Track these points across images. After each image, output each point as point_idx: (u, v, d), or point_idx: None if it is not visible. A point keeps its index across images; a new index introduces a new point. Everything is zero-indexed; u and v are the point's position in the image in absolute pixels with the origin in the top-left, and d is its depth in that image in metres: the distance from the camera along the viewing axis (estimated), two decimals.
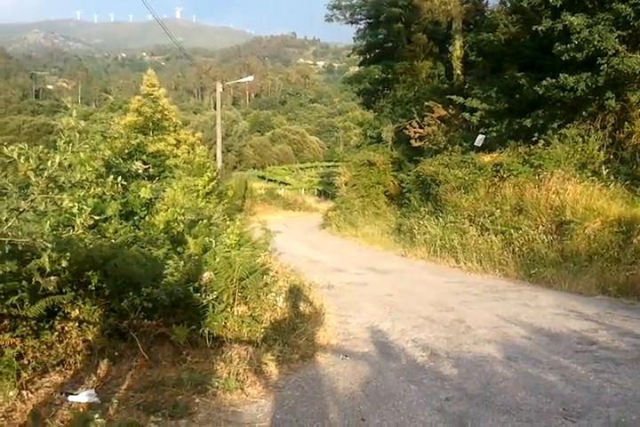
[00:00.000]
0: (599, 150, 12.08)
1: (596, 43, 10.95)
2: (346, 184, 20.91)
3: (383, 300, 7.68)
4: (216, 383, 4.01)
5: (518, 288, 8.73)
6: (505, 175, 12.56)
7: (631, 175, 11.24)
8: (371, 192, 19.73)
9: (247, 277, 4.97)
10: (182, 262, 5.11)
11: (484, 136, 14.84)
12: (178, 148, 21.41)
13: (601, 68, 11.10)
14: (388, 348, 5.35)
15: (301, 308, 5.60)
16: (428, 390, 4.22)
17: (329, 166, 54.77)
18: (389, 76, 22.76)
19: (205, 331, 4.51)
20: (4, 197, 3.93)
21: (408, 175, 16.99)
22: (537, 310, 6.99)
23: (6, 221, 3.36)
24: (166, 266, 4.89)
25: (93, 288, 4.13)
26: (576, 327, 6.05)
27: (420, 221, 13.30)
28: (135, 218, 6.59)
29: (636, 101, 12.02)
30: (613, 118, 12.58)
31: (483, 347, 5.33)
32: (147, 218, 6.65)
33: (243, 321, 4.76)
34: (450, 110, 17.00)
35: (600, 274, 8.39)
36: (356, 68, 28.54)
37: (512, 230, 10.57)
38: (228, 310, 4.74)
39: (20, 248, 3.70)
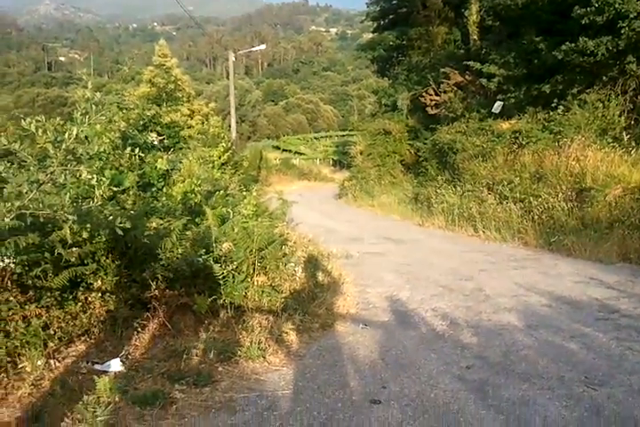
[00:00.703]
0: (620, 116, 11.84)
1: (617, 5, 10.67)
2: (361, 153, 20.75)
3: (401, 269, 7.68)
4: (238, 352, 4.05)
5: (538, 256, 8.67)
6: (524, 142, 12.39)
7: None
8: (387, 161, 19.57)
9: (266, 248, 4.98)
10: (201, 233, 5.12)
11: (501, 103, 14.56)
12: (192, 118, 21.28)
13: (622, 31, 10.81)
14: (407, 317, 5.36)
15: (320, 277, 5.61)
16: (448, 359, 4.23)
17: (344, 136, 54.26)
18: (404, 42, 22.30)
19: (226, 301, 4.54)
20: (24, 170, 3.94)
21: (424, 144, 16.80)
22: (557, 279, 6.95)
23: (27, 193, 3.36)
24: (185, 236, 4.90)
25: (115, 259, 4.16)
26: (597, 295, 6.01)
27: (438, 190, 13.20)
28: (153, 189, 6.60)
29: None
30: (635, 83, 12.26)
31: (502, 315, 5.32)
32: (164, 189, 6.65)
33: (263, 291, 4.78)
34: (466, 77, 16.63)
35: (621, 241, 8.28)
36: (370, 35, 27.91)
37: (531, 198, 10.46)
38: (248, 280, 4.76)
39: (41, 220, 3.73)
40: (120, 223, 3.65)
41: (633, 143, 10.93)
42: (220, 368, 3.88)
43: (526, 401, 3.48)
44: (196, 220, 5.80)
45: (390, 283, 6.78)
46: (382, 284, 6.73)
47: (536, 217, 10.02)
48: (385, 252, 9.34)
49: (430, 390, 3.67)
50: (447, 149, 14.37)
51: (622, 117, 11.82)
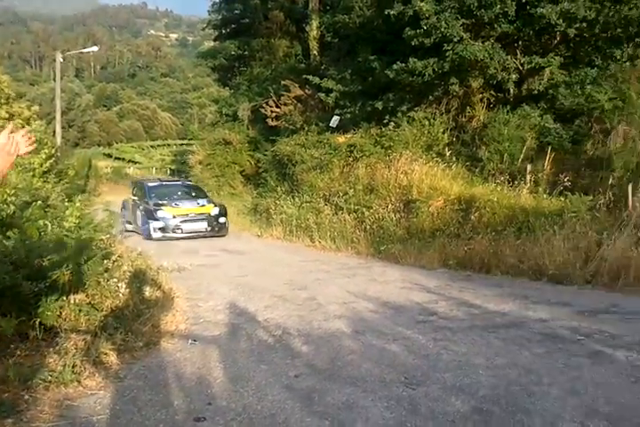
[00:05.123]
0: (443, 133, 12.80)
1: (442, 29, 11.38)
2: (200, 163, 20.37)
3: (236, 281, 7.60)
4: (49, 377, 3.67)
5: (368, 265, 9.10)
6: (358, 156, 12.98)
7: (471, 157, 12.10)
8: (226, 172, 19.40)
9: (85, 263, 4.60)
10: (12, 248, 4.59)
11: (338, 117, 15.12)
12: (11, 122, 19.37)
13: (447, 54, 11.60)
14: (239, 329, 5.27)
15: (147, 293, 5.32)
16: (277, 369, 4.21)
17: (182, 144, 52.91)
18: (246, 52, 22.44)
19: (37, 322, 4.10)
20: None
21: (265, 155, 16.95)
22: (384, 285, 7.33)
23: None
24: None
25: None
26: (419, 300, 6.40)
27: (277, 201, 13.35)
28: None
29: (477, 87, 12.86)
30: (457, 103, 13.40)
31: (332, 323, 5.45)
32: None
33: (80, 310, 4.39)
34: (306, 90, 17.11)
35: (442, 249, 8.98)
36: (211, 43, 27.75)
37: (364, 209, 11.00)
38: (64, 298, 4.35)
39: None
40: None
41: (454, 158, 11.90)
42: (26, 396, 3.47)
43: (350, 405, 3.55)
44: (8, 233, 5.20)
45: (224, 295, 6.65)
46: (216, 297, 6.58)
47: (368, 227, 10.55)
48: (220, 264, 9.22)
49: (257, 403, 3.60)
50: (287, 160, 14.60)
51: (445, 134, 12.77)
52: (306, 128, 15.68)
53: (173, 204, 13.10)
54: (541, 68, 12.24)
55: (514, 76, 12.23)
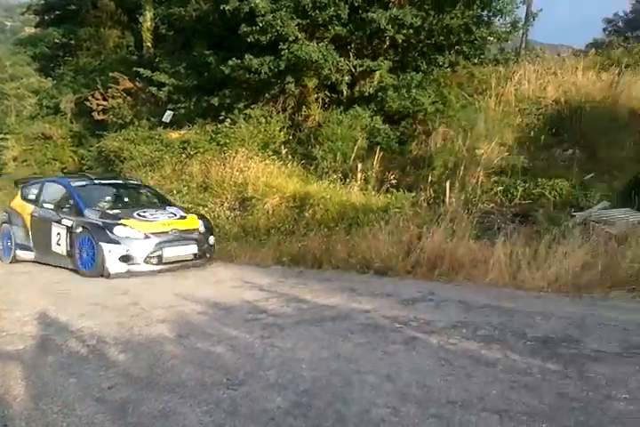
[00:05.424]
0: (280, 131, 12.89)
1: (278, 28, 11.45)
2: (15, 160, 18.49)
3: (50, 288, 6.95)
4: None
5: (202, 264, 8.80)
6: (192, 153, 12.67)
7: (306, 155, 12.28)
8: (45, 169, 17.74)
9: None
10: None
11: (172, 112, 14.59)
12: None
13: (282, 53, 11.69)
14: (47, 341, 4.74)
15: None
16: (89, 381, 3.83)
17: None
18: (72, 41, 20.80)
19: None
20: None
21: (89, 151, 15.91)
22: (216, 285, 7.14)
23: None
24: None
25: None
26: (250, 298, 6.28)
27: None
28: None
29: (313, 87, 13.08)
30: (293, 102, 13.53)
31: (155, 328, 5.11)
32: None
33: None
34: (137, 83, 16.22)
35: (276, 246, 9.02)
36: (32, 30, 25.40)
37: (199, 208, 10.70)
38: None
39: None
40: None
41: (290, 157, 12.02)
42: None
43: (167, 413, 3.32)
44: None
45: (34, 305, 5.99)
46: (23, 307, 5.91)
47: None
48: (31, 270, 8.47)
49: (63, 420, 3.24)
50: (114, 157, 13.79)
51: (282, 133, 12.86)
52: (136, 123, 14.89)
53: (135, 214, 8.23)
54: (372, 71, 12.74)
55: (347, 77, 12.61)
